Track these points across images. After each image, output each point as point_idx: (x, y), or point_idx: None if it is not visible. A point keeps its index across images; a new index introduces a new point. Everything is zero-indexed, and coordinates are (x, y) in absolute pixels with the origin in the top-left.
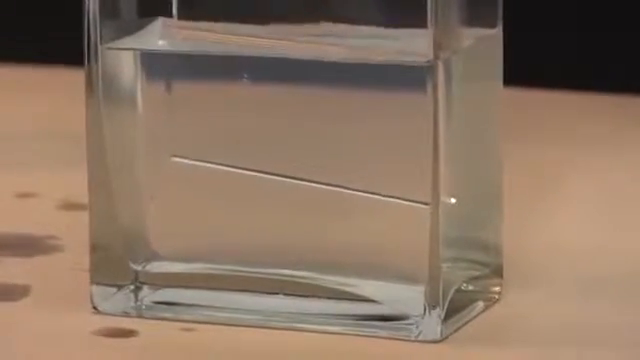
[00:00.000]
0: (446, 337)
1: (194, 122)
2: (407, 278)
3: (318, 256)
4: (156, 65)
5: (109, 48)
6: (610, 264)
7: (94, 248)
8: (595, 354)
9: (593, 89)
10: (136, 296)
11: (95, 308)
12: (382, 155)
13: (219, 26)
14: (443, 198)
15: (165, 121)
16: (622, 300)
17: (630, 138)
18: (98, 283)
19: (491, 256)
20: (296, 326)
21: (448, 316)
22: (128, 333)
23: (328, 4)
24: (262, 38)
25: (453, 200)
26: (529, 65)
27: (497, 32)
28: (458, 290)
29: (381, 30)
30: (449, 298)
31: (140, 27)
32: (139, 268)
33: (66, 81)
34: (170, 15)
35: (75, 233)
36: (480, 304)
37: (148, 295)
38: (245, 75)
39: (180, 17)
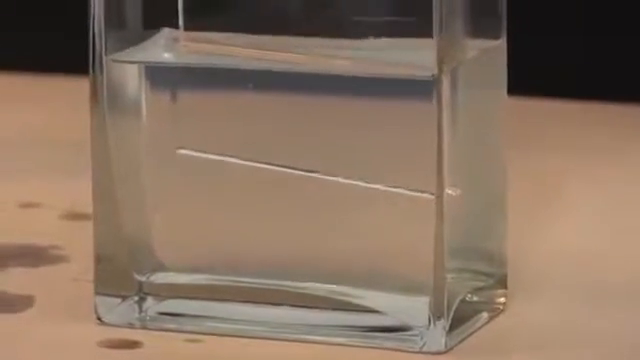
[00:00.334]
0: (451, 348)
1: (199, 132)
2: (412, 289)
3: (323, 267)
4: (160, 75)
5: (115, 60)
6: (613, 272)
7: (98, 259)
8: None
9: (595, 98)
10: (140, 307)
11: (99, 319)
12: (387, 164)
13: (224, 37)
14: (448, 191)
15: (170, 130)
16: (627, 307)
17: (632, 147)
18: (102, 294)
19: (495, 267)
20: (301, 337)
21: (453, 327)
22: (132, 344)
23: (333, 15)
24: (268, 50)
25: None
26: (531, 73)
27: (501, 43)
28: (463, 301)
29: (387, 41)
30: (454, 309)
31: (145, 38)
32: (143, 279)
33: (66, 90)
34: (175, 26)
35: (79, 243)
36: (485, 315)
37: (152, 306)
38: (250, 85)
39: (186, 28)
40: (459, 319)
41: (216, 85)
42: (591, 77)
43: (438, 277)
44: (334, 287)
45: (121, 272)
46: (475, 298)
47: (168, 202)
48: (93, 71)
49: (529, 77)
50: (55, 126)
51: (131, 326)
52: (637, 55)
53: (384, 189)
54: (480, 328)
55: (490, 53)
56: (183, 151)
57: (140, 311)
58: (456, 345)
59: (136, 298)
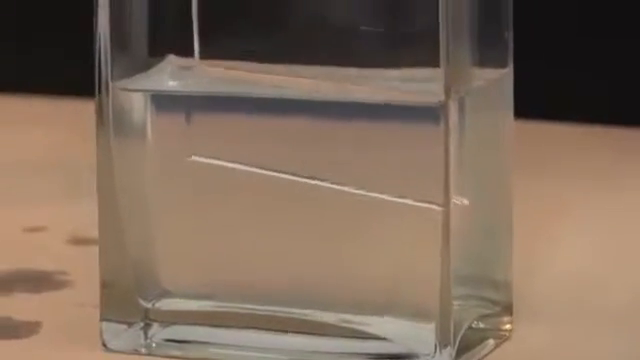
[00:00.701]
0: None
1: (207, 155)
2: (418, 316)
3: (329, 294)
4: (166, 100)
5: (122, 89)
6: (618, 296)
7: (104, 284)
8: None
9: (597, 122)
10: (146, 333)
11: (105, 345)
12: (394, 187)
13: (235, 64)
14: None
15: (176, 155)
16: (632, 332)
17: (635, 170)
18: (108, 320)
19: (501, 294)
20: None
21: (459, 354)
22: None
23: (344, 45)
24: (279, 76)
25: (466, 202)
26: (532, 99)
27: (508, 71)
28: (469, 328)
29: (396, 71)
30: (460, 336)
31: (151, 64)
32: (149, 305)
33: (69, 113)
34: (182, 53)
35: (84, 268)
36: (491, 342)
37: (158, 332)
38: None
39: (201, 56)
40: (465, 346)
41: (224, 109)
42: (593, 101)
43: (445, 304)
44: (340, 314)
45: (127, 298)
46: (481, 325)
47: (174, 228)
48: (99, 96)
49: (531, 101)
50: (57, 149)
51: (137, 352)
52: (638, 79)
53: (391, 208)
54: (487, 355)
55: (497, 81)
56: (196, 158)
57: (146, 337)
58: None
59: (142, 324)
